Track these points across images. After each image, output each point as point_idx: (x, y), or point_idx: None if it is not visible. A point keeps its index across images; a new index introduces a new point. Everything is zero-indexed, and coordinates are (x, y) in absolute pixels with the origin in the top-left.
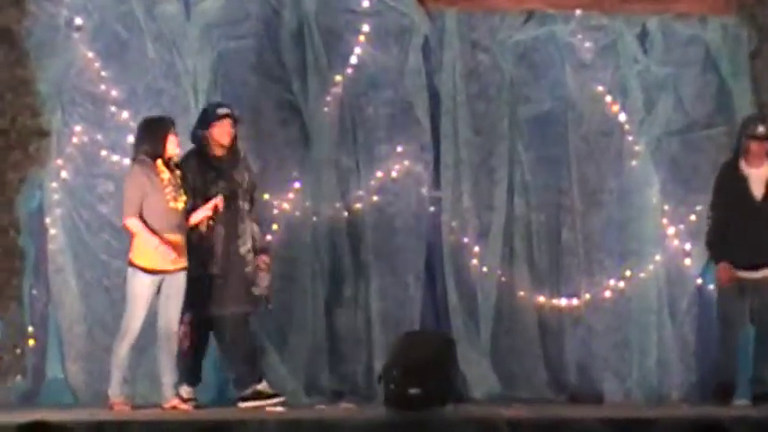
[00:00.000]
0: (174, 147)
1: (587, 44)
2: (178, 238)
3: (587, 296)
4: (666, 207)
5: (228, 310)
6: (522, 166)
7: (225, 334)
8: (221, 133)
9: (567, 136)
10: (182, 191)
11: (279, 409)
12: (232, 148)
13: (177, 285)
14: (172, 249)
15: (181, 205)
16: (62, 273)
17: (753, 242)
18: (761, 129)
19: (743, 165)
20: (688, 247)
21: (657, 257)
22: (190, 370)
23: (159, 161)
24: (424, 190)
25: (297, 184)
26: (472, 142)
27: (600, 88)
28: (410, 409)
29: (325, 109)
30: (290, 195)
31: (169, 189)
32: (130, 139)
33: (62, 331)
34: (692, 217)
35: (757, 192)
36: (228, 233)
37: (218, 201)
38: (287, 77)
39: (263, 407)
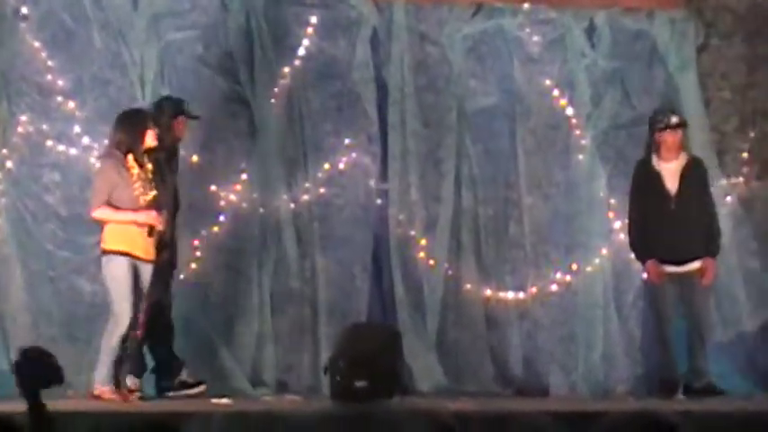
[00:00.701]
0: (152, 140)
1: (535, 38)
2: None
3: (534, 289)
4: (613, 201)
5: (154, 300)
6: (470, 158)
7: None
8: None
9: (514, 129)
10: (152, 185)
11: (225, 400)
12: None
13: (144, 279)
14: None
15: (148, 198)
16: (7, 263)
17: (674, 237)
18: (674, 119)
19: (655, 160)
20: None
21: (604, 251)
22: (136, 360)
23: (130, 156)
24: (372, 182)
25: (244, 176)
26: (420, 134)
27: (547, 82)
28: (356, 401)
29: (273, 101)
30: (238, 187)
31: (138, 184)
32: (77, 129)
33: (6, 322)
34: None
35: (671, 186)
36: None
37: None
38: (234, 69)
39: (189, 396)
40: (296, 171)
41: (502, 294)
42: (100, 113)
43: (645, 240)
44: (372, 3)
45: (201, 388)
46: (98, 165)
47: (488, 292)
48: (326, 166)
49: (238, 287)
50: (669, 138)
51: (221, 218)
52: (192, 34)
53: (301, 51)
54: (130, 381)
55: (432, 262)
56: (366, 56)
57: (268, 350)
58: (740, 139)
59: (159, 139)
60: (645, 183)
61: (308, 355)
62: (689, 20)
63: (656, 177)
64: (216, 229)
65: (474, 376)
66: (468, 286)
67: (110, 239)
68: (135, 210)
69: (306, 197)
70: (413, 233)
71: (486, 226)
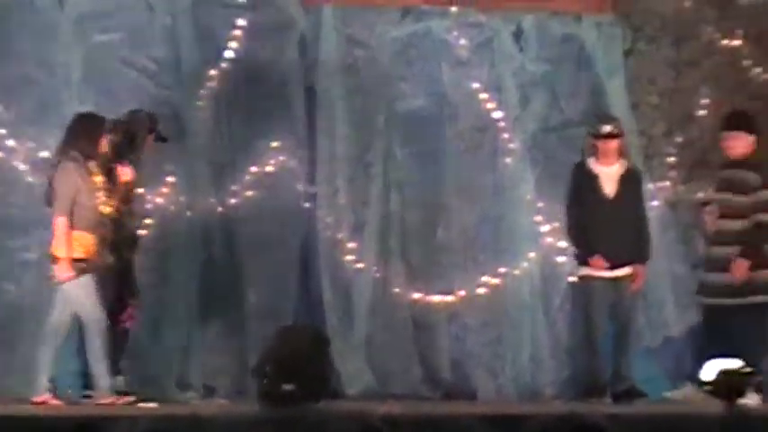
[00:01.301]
0: (105, 146)
1: (463, 41)
2: (99, 239)
3: (462, 293)
4: (541, 204)
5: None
6: (398, 162)
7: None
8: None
9: (442, 132)
10: (112, 195)
11: (151, 404)
12: None
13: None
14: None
15: (108, 209)
16: None
17: (608, 241)
18: (606, 128)
19: (593, 163)
20: (562, 244)
21: (531, 254)
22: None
23: (92, 162)
24: (300, 185)
25: (171, 179)
26: (348, 138)
27: (475, 85)
28: (284, 404)
29: (200, 103)
30: (164, 190)
31: (101, 193)
32: (2, 131)
33: None
34: None
35: (609, 190)
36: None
37: None
38: (161, 71)
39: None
40: (224, 174)
41: (430, 297)
42: (25, 115)
43: (586, 240)
44: (300, 5)
45: (130, 399)
46: (59, 168)
47: (416, 295)
48: (254, 168)
49: (165, 290)
50: (602, 145)
51: (148, 220)
52: (117, 36)
53: (229, 54)
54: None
55: (360, 265)
56: (294, 59)
57: (195, 354)
58: (667, 144)
59: (132, 150)
60: (582, 185)
61: (235, 358)
62: (616, 24)
63: (594, 180)
64: (143, 231)
65: (402, 379)
66: (397, 289)
67: (61, 246)
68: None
69: (233, 200)
70: (341, 236)
71: (414, 229)
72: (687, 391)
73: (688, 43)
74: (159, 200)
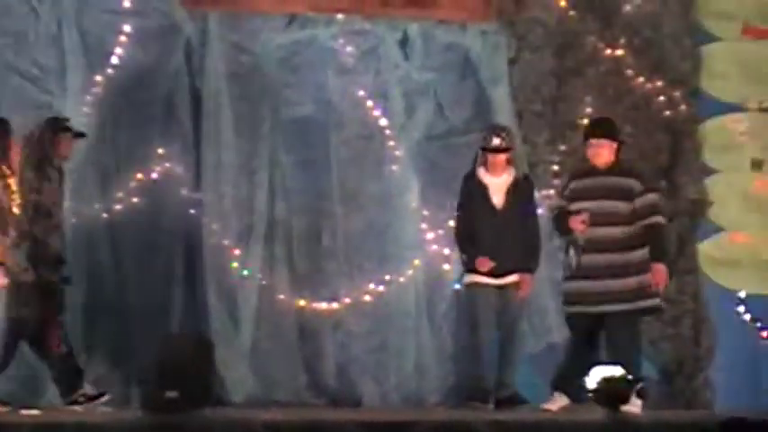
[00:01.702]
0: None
1: (349, 48)
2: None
3: (347, 300)
4: (426, 212)
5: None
6: (284, 169)
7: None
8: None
9: (328, 140)
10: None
11: (34, 411)
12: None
13: None
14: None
15: (17, 211)
16: None
17: (495, 250)
18: (495, 141)
19: (482, 173)
20: (447, 251)
21: (417, 262)
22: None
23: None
24: (185, 191)
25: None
26: (234, 144)
27: (361, 93)
28: (167, 411)
29: (85, 109)
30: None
31: (15, 195)
32: None
33: None
34: (451, 222)
35: (497, 200)
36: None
37: None
38: (45, 77)
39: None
40: (109, 180)
41: (315, 305)
42: None
43: (473, 248)
44: (186, 11)
45: (106, 398)
46: None
47: (302, 302)
48: (139, 175)
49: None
50: (490, 157)
51: None
52: (1, 41)
53: (114, 60)
54: (89, 388)
55: (245, 272)
56: (180, 65)
57: (80, 361)
58: (551, 152)
59: (43, 155)
60: (471, 195)
61: (119, 366)
62: (501, 33)
63: (483, 190)
64: None
65: (287, 386)
66: (282, 296)
67: None
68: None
69: (119, 206)
70: (226, 243)
71: (299, 236)
72: (561, 400)
73: (571, 52)
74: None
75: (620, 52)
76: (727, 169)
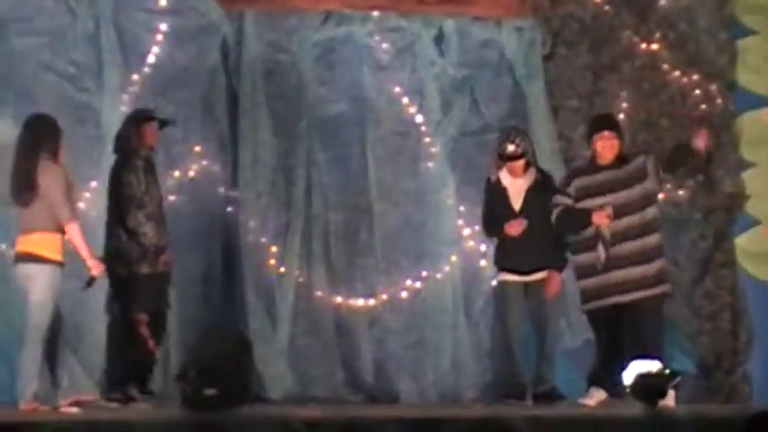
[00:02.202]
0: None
1: (385, 45)
2: None
3: (384, 296)
4: (462, 208)
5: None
6: (320, 166)
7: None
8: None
9: (364, 136)
10: None
11: (73, 409)
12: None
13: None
14: None
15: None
16: None
17: (519, 250)
18: (510, 148)
19: (503, 175)
20: (483, 248)
21: (453, 258)
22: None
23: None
24: (222, 189)
25: (94, 183)
26: (270, 142)
27: (397, 89)
28: (206, 409)
29: (122, 108)
30: (87, 195)
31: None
32: None
33: None
34: None
35: (516, 202)
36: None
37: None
38: (82, 76)
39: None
40: None
41: (352, 301)
42: None
43: (497, 251)
44: (223, 10)
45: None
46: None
47: (339, 299)
48: (176, 173)
49: (86, 294)
50: (508, 163)
51: None
52: (38, 40)
53: (151, 59)
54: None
55: (282, 269)
56: (216, 63)
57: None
58: (587, 147)
59: (129, 149)
60: (492, 199)
61: (158, 363)
62: (536, 29)
63: (502, 193)
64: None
65: (325, 383)
66: (319, 293)
67: (52, 248)
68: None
69: None
70: (264, 240)
71: (336, 233)
72: (598, 395)
73: (607, 47)
74: (81, 205)
75: (655, 47)
76: (763, 163)
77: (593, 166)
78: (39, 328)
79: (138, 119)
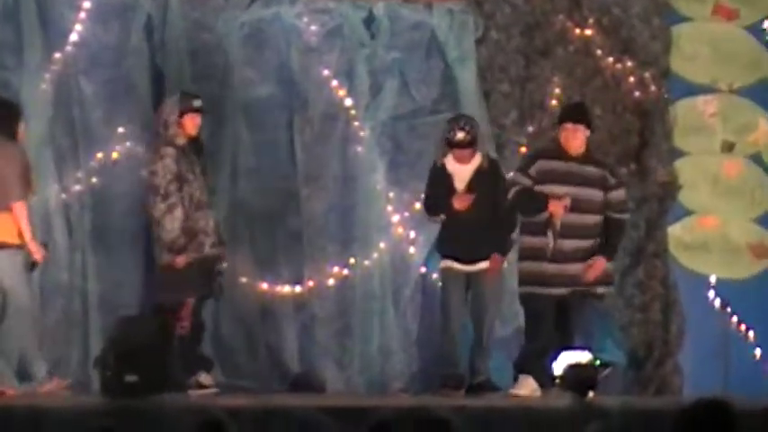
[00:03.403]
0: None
1: (313, 27)
2: None
3: (311, 283)
4: (391, 194)
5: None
6: (246, 149)
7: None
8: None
9: (292, 119)
10: None
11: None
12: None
13: None
14: None
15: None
16: None
17: (463, 237)
18: (459, 135)
19: (449, 161)
20: (412, 234)
21: (382, 245)
22: (199, 356)
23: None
24: (145, 171)
25: None
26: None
27: (326, 72)
28: (127, 396)
29: (43, 86)
30: None
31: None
32: None
33: None
34: (417, 204)
35: (460, 188)
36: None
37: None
38: (2, 53)
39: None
40: (67, 160)
41: (278, 288)
42: None
43: (440, 238)
44: None
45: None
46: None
47: (264, 285)
48: (99, 155)
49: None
50: (457, 150)
51: None
52: None
53: (73, 37)
54: (203, 377)
55: None
56: (140, 42)
57: (35, 344)
58: (519, 133)
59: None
60: (436, 183)
61: (77, 349)
62: (468, 12)
63: (448, 179)
64: None
65: (249, 371)
66: (244, 279)
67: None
68: None
69: (77, 187)
70: None
71: (262, 218)
72: (527, 384)
73: (540, 32)
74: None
75: (588, 32)
76: (697, 152)
77: (559, 153)
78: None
79: (182, 108)
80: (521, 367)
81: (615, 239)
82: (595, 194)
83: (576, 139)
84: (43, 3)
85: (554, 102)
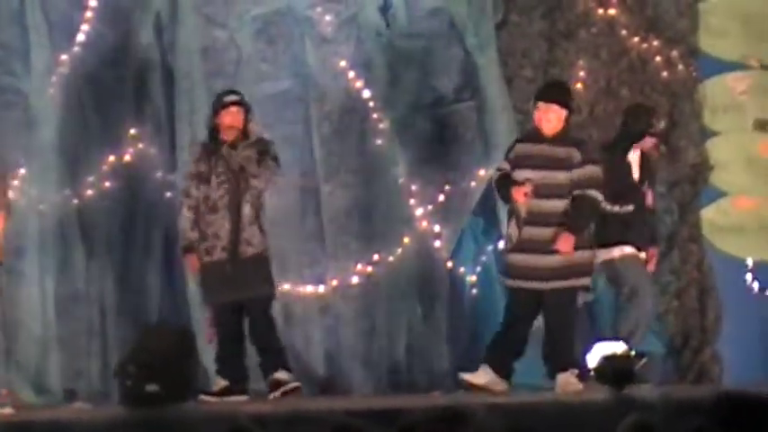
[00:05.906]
0: None
1: (327, 17)
2: None
3: (334, 282)
4: (414, 187)
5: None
6: None
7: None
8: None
9: (308, 114)
10: None
11: (7, 410)
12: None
13: None
14: None
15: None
16: None
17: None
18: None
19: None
20: (437, 228)
21: (406, 240)
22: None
23: None
24: (160, 174)
25: (21, 171)
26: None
27: (342, 63)
28: (147, 406)
29: (51, 90)
30: (15, 182)
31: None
32: None
33: None
34: (441, 197)
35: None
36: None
37: None
38: (7, 58)
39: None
40: (78, 164)
41: (301, 289)
42: None
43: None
44: None
45: (294, 385)
46: None
47: (286, 286)
48: (111, 158)
49: (20, 289)
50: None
51: None
52: None
53: (80, 37)
54: (281, 374)
55: None
56: (150, 41)
57: (53, 356)
58: None
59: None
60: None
61: (96, 359)
62: None
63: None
64: None
65: None
66: None
67: None
68: None
69: (90, 192)
70: None
71: (282, 217)
72: (484, 375)
73: (562, 13)
74: (9, 193)
75: (612, 12)
76: (728, 131)
77: (534, 136)
78: None
79: (215, 105)
80: (486, 356)
81: (576, 213)
82: (560, 176)
83: (547, 119)
84: (49, 3)
85: (579, 86)
